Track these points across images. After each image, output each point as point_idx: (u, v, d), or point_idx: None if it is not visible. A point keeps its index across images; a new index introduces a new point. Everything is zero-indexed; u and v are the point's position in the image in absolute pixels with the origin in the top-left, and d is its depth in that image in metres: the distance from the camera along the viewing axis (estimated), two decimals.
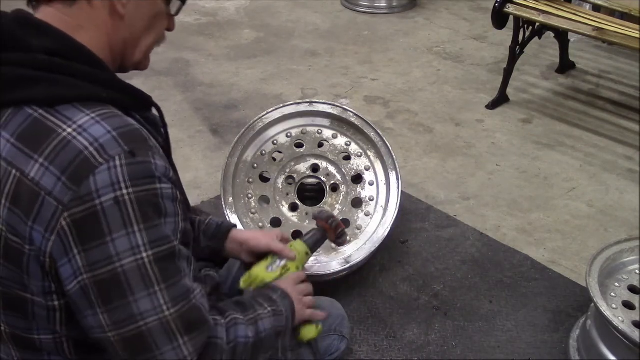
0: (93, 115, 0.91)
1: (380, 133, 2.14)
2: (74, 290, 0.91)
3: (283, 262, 1.37)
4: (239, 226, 2.00)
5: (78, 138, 0.89)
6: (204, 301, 1.02)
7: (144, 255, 0.91)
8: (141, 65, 1.11)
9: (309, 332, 1.32)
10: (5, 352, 1.05)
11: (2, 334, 1.03)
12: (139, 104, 1.04)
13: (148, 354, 0.94)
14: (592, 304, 1.71)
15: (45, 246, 0.90)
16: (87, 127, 0.90)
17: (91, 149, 0.88)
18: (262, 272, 1.35)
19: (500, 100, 3.21)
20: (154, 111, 1.10)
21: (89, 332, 0.95)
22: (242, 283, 1.34)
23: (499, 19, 2.98)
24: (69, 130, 0.90)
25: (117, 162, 0.88)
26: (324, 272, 1.96)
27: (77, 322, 0.98)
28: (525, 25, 3.05)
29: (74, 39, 0.96)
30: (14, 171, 0.91)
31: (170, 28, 1.13)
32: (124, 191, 0.89)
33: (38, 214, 0.89)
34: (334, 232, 1.51)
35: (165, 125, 1.12)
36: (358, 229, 2.08)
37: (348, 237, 1.91)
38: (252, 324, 1.12)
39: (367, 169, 2.14)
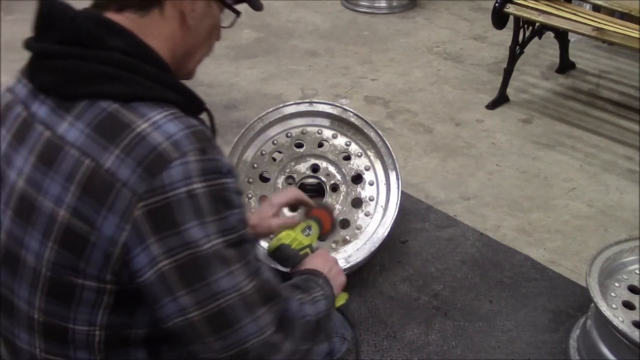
0: (165, 113, 0.96)
1: (380, 133, 2.14)
2: (152, 279, 0.94)
3: (312, 232, 1.45)
4: None
5: (153, 134, 0.93)
6: (270, 275, 1.07)
7: (219, 241, 0.95)
8: (191, 75, 1.16)
9: (341, 299, 1.38)
10: (28, 342, 1.05)
11: (33, 322, 1.02)
12: (196, 108, 1.08)
13: (230, 328, 0.98)
14: (592, 304, 1.71)
15: (119, 236, 0.92)
16: (161, 124, 0.94)
17: (165, 144, 0.92)
18: (300, 234, 1.42)
19: (500, 100, 3.21)
20: (205, 116, 1.14)
21: (164, 322, 0.97)
22: (285, 238, 1.39)
23: (499, 19, 2.97)
24: (144, 125, 0.94)
25: (191, 158, 0.93)
26: None
27: (120, 309, 0.99)
28: (525, 25, 3.05)
29: (145, 42, 1.01)
30: (87, 160, 0.93)
31: (218, 38, 1.18)
32: (196, 185, 0.93)
33: (113, 203, 0.91)
34: (332, 223, 1.56)
35: (215, 130, 1.16)
36: (358, 229, 2.08)
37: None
38: (312, 304, 1.16)
39: (367, 169, 2.14)
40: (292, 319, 1.08)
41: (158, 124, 0.94)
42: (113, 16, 1.01)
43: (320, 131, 2.17)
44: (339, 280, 1.32)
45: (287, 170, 2.13)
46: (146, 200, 0.91)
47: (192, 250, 0.93)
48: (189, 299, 0.95)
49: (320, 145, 2.16)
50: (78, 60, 0.96)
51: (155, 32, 1.03)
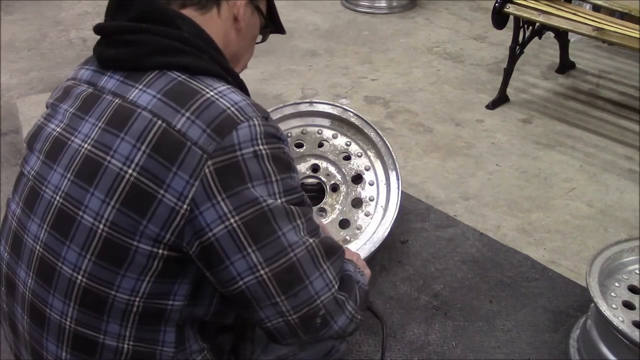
0: (228, 86, 1.05)
1: (380, 133, 2.14)
2: (220, 235, 0.98)
3: None
4: None
5: (220, 100, 1.01)
6: (326, 236, 1.13)
7: (283, 199, 1.01)
8: None
9: None
10: (60, 310, 1.05)
11: (73, 288, 1.03)
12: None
13: (300, 284, 1.03)
14: (592, 304, 1.71)
15: (188, 191, 0.96)
16: (226, 93, 1.03)
17: (233, 109, 1.01)
18: None
19: (500, 100, 3.21)
20: None
21: (231, 283, 1.00)
22: None
23: (499, 19, 2.97)
24: (212, 93, 1.02)
25: (255, 122, 1.01)
26: None
27: (164, 278, 1.01)
28: (525, 25, 3.05)
29: (207, 32, 1.09)
30: (159, 122, 0.99)
31: (252, 52, 1.29)
32: (261, 147, 1.00)
33: (183, 161, 0.96)
34: None
35: None
36: (358, 229, 2.08)
37: None
38: (361, 275, 1.22)
39: (367, 169, 2.14)
40: (351, 279, 1.14)
41: (223, 93, 1.02)
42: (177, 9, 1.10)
43: (320, 131, 2.17)
44: (365, 271, 1.37)
45: None
46: (215, 159, 0.96)
47: (260, 206, 0.98)
48: (258, 255, 0.99)
49: (321, 145, 2.16)
50: (152, 34, 1.03)
51: (214, 29, 1.11)
